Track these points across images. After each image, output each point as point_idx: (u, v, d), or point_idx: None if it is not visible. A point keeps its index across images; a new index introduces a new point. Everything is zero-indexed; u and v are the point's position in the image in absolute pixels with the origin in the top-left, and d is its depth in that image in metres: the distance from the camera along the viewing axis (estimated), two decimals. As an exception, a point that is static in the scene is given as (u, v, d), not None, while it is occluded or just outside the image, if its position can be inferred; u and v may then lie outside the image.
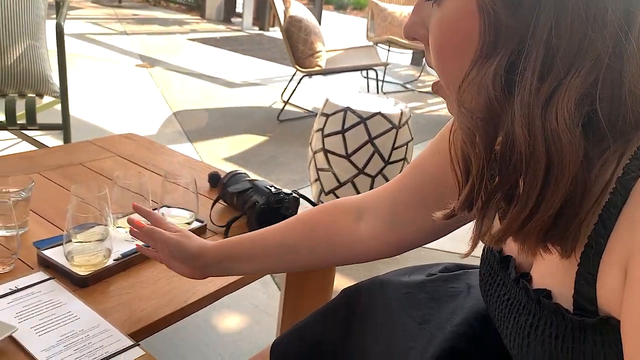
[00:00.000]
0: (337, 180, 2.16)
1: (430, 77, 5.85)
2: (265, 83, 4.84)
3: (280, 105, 4.03)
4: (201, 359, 1.42)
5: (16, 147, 2.71)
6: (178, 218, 1.18)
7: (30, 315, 0.86)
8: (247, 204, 1.23)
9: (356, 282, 0.92)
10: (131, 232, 0.91)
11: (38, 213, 1.18)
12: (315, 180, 2.26)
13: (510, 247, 0.60)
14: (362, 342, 0.84)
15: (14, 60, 2.01)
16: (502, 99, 0.46)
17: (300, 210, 1.29)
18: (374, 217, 0.80)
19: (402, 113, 2.13)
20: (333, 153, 2.14)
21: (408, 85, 5.35)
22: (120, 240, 1.08)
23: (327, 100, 2.19)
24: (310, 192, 2.43)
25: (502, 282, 0.62)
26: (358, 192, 2.16)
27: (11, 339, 0.80)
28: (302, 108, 4.09)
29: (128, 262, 1.03)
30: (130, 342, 0.83)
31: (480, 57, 0.47)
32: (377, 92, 4.11)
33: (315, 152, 2.22)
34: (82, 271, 0.97)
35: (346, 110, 2.10)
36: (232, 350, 1.46)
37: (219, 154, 3.01)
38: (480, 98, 0.46)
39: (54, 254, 1.01)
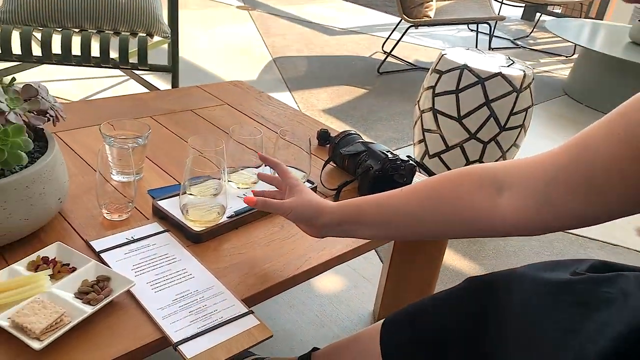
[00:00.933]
0: (445, 143, 2.03)
1: (543, 34, 5.39)
2: (365, 32, 4.66)
3: (380, 56, 3.87)
4: (297, 318, 1.40)
5: (123, 85, 2.78)
6: (290, 177, 1.12)
7: (147, 269, 0.85)
8: (360, 169, 1.15)
9: (486, 273, 0.83)
10: (246, 201, 0.87)
11: (151, 159, 1.18)
12: (420, 142, 2.14)
13: None
14: (497, 345, 0.75)
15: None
16: None
17: (415, 180, 1.20)
18: (520, 194, 0.68)
19: (524, 75, 1.93)
20: (443, 114, 2.00)
21: (518, 42, 4.96)
22: (232, 196, 1.05)
23: (441, 56, 2.03)
24: (411, 152, 2.32)
25: None
26: (467, 158, 2.02)
27: (129, 293, 0.79)
28: (404, 60, 3.91)
29: (241, 220, 1.00)
30: (244, 309, 0.80)
31: None
32: (489, 48, 3.83)
33: (423, 112, 2.09)
34: (196, 226, 0.94)
35: (463, 68, 1.94)
36: (330, 313, 1.43)
37: (317, 104, 2.94)
38: None
39: (169, 206, 0.99)
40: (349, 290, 1.53)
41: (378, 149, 1.16)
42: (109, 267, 0.83)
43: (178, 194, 1.02)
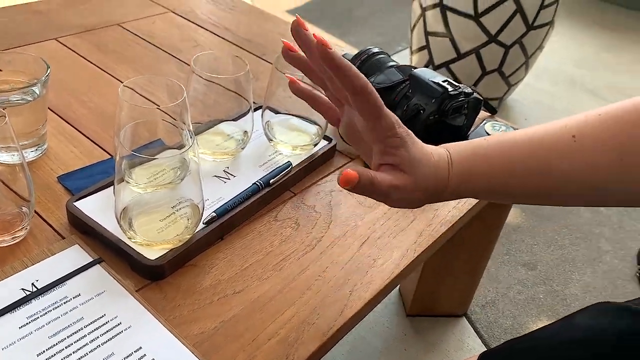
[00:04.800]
0: (456, 49, 1.60)
1: None
2: None
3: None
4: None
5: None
6: (295, 134, 0.70)
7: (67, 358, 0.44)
8: (406, 110, 0.73)
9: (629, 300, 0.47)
10: (341, 182, 0.42)
11: (58, 113, 0.72)
12: (421, 49, 1.70)
13: None
14: None
15: None
16: None
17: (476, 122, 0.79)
18: None
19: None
20: (455, 11, 1.55)
21: None
22: (207, 180, 0.62)
23: None
24: (406, 61, 1.88)
25: None
26: (483, 68, 1.61)
27: None
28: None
29: (227, 225, 0.58)
30: None
31: None
32: None
33: (425, 9, 1.63)
34: (150, 250, 0.52)
35: (481, -52, 1.47)
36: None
37: (279, 4, 2.40)
38: None
39: (99, 207, 0.56)
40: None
41: (427, 78, 0.74)
42: (-16, 373, 0.42)
43: (106, 186, 0.58)
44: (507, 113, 1.79)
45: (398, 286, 1.09)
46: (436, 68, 1.67)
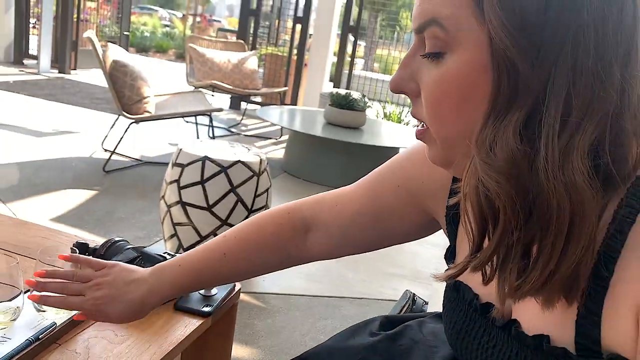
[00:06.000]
0: (198, 233, 2.04)
1: (252, 120, 5.94)
2: (79, 131, 4.41)
3: (101, 155, 3.70)
4: None
5: None
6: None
7: None
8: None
9: (300, 354, 0.86)
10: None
11: None
12: (172, 236, 2.09)
13: (488, 293, 0.61)
14: None
15: None
16: (525, 151, 0.46)
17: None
18: (324, 234, 0.79)
19: (261, 160, 2.10)
20: (192, 205, 2.02)
21: (233, 130, 5.35)
22: (-12, 343, 0.86)
23: (180, 149, 2.07)
24: (163, 248, 2.24)
25: (482, 330, 0.61)
26: (221, 245, 2.06)
27: None
28: (129, 157, 3.81)
29: (7, 370, 0.82)
30: None
31: (495, 112, 0.47)
32: (212, 138, 4.02)
33: (170, 206, 2.07)
34: (-54, 394, 0.74)
35: (204, 159, 2.00)
36: None
37: (43, 216, 2.62)
38: (501, 153, 0.46)
39: None
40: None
41: (153, 253, 1.10)
42: None
43: None
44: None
45: None
46: (185, 250, 2.06)
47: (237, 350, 1.76)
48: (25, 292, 0.97)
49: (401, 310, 1.08)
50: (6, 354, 0.83)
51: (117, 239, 1.18)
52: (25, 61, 7.54)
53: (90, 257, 0.82)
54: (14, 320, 0.93)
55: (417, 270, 2.66)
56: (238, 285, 1.22)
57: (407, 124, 5.94)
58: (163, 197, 2.12)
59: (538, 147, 0.46)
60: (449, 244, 0.70)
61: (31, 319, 0.95)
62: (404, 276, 2.60)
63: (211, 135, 4.22)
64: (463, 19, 0.47)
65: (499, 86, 0.47)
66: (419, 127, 0.57)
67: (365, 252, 0.81)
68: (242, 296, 2.12)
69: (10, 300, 0.93)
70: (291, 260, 0.82)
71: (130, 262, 1.10)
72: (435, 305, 1.43)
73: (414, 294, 1.15)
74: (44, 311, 0.96)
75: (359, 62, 11.28)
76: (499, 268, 0.51)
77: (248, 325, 1.91)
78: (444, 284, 0.69)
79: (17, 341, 0.87)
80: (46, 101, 5.37)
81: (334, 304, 2.20)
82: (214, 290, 1.14)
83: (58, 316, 0.96)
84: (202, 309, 1.07)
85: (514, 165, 0.46)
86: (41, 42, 7.14)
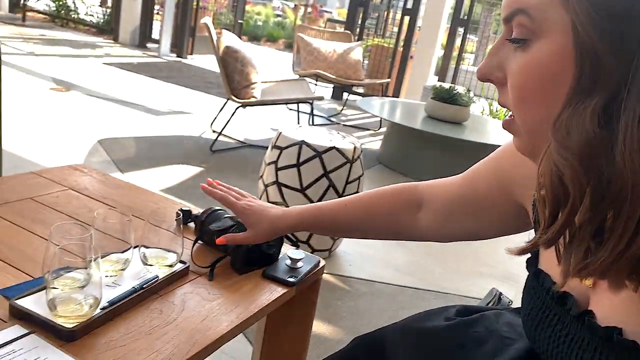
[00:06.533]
0: (291, 214, 2.13)
1: (352, 110, 6.00)
2: (191, 112, 4.71)
3: (209, 135, 3.94)
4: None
5: None
6: (160, 259, 1.09)
7: (18, 379, 0.75)
8: (232, 244, 1.16)
9: (370, 332, 0.90)
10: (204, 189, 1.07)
11: (-6, 256, 1.05)
12: (267, 214, 2.20)
13: (567, 283, 0.61)
14: None
15: None
16: (601, 135, 0.47)
17: (283, 250, 1.25)
18: (432, 212, 0.89)
19: (355, 148, 2.15)
20: (287, 186, 2.11)
21: (333, 119, 5.45)
22: (102, 286, 0.98)
23: (280, 133, 2.16)
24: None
25: (558, 319, 0.62)
26: (312, 227, 2.14)
27: (3, 409, 0.69)
28: (233, 138, 4.02)
29: (116, 310, 0.93)
30: (141, 404, 0.74)
31: (576, 97, 0.49)
32: (311, 125, 4.14)
33: (267, 185, 2.18)
34: (67, 323, 0.86)
35: (301, 143, 2.08)
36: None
37: (154, 185, 2.87)
38: (577, 135, 0.48)
39: (31, 304, 0.89)
40: (219, 372, 1.48)
41: (247, 223, 1.19)
42: (-30, 384, 0.71)
43: (38, 290, 0.92)
44: (336, 260, 2.30)
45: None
46: (279, 229, 2.16)
47: (318, 326, 1.83)
48: (134, 247, 1.09)
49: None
50: (115, 297, 0.95)
51: (216, 208, 1.29)
52: (148, 45, 8.15)
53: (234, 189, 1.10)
54: (123, 270, 1.05)
55: (508, 272, 2.59)
56: (322, 262, 1.28)
57: (513, 122, 5.70)
58: (261, 177, 2.24)
59: (617, 131, 0.46)
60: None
61: (138, 270, 1.07)
62: (493, 276, 2.54)
63: (311, 123, 4.34)
64: (549, 8, 0.49)
65: (581, 72, 0.48)
66: (507, 118, 0.59)
67: (463, 239, 0.88)
68: (328, 277, 2.19)
69: (122, 252, 1.06)
70: (399, 231, 0.93)
71: (227, 229, 1.19)
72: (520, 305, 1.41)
73: (500, 292, 1.14)
74: (150, 265, 1.07)
75: (469, 58, 10.96)
76: (568, 245, 0.52)
77: (331, 305, 1.98)
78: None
79: (125, 288, 0.99)
80: (164, 83, 5.79)
81: (418, 296, 2.21)
82: (299, 263, 1.20)
83: (160, 271, 1.07)
84: (288, 279, 1.14)
85: (589, 148, 0.47)
86: (163, 27, 7.68)
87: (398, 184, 0.96)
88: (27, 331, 0.84)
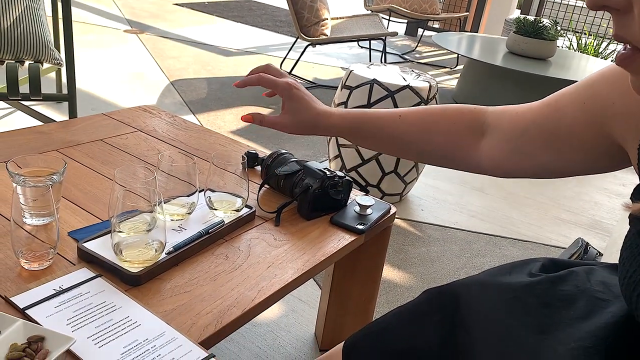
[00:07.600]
0: (361, 157, 2.05)
1: (427, 47, 5.72)
2: (262, 52, 4.65)
3: (279, 75, 3.87)
4: (238, 352, 1.32)
5: (7, 119, 2.52)
6: (226, 204, 1.06)
7: (85, 322, 0.74)
8: (298, 188, 1.11)
9: (444, 284, 0.83)
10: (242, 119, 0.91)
11: (64, 197, 1.05)
12: (336, 157, 2.14)
13: None
14: (467, 351, 0.74)
15: (10, 23, 1.82)
16: None
17: (351, 195, 1.18)
18: (498, 139, 0.76)
19: (430, 86, 2.01)
20: (357, 128, 2.02)
21: (407, 56, 5.21)
22: (168, 230, 0.96)
23: (350, 72, 2.06)
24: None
25: None
26: (382, 169, 2.05)
27: (69, 353, 0.68)
28: (303, 79, 3.94)
29: (181, 256, 0.92)
30: (204, 354, 0.72)
31: None
32: (383, 63, 3.97)
33: (336, 127, 2.10)
34: (133, 267, 0.85)
35: (372, 83, 1.97)
36: (271, 342, 1.37)
37: (224, 126, 2.87)
38: None
39: (98, 247, 0.89)
40: (287, 315, 1.47)
41: (314, 167, 1.13)
42: (40, 324, 0.72)
43: (105, 234, 0.92)
44: (407, 205, 2.22)
45: (314, 328, 1.40)
46: (348, 171, 2.10)
47: (388, 271, 1.79)
48: (200, 191, 1.07)
49: (570, 258, 0.98)
50: (181, 241, 0.93)
51: (283, 151, 1.23)
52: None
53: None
54: (189, 213, 1.03)
55: (594, 220, 2.41)
56: (393, 209, 1.21)
57: (606, 57, 5.22)
58: (331, 117, 2.16)
59: None
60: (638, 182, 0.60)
61: (203, 214, 1.04)
62: (578, 224, 2.37)
63: (383, 60, 4.16)
64: None
65: None
66: (623, 51, 0.47)
67: (529, 176, 0.75)
68: (399, 222, 2.12)
69: (187, 196, 1.03)
70: (457, 156, 0.79)
71: (293, 174, 1.14)
72: (611, 258, 1.28)
73: (587, 242, 1.03)
74: (216, 209, 1.04)
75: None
76: None
77: (402, 251, 1.92)
78: (624, 234, 0.60)
79: (191, 232, 0.97)
80: (234, 22, 5.72)
81: (494, 242, 2.10)
82: (369, 210, 1.14)
83: (226, 215, 1.04)
84: (357, 226, 1.09)
85: None
86: (233, -35, 7.53)
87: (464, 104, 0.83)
88: (94, 274, 0.84)
